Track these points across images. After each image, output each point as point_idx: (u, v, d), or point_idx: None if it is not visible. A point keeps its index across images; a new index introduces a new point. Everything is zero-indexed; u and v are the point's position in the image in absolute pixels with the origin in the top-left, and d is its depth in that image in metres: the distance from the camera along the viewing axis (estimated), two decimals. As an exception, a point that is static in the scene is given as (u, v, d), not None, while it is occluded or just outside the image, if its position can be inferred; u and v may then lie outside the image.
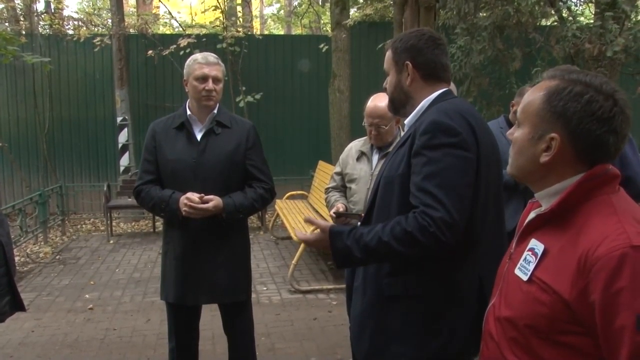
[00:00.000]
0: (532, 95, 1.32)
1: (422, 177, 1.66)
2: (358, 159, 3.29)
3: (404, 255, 1.67)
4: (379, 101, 3.06)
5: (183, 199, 2.72)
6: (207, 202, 2.72)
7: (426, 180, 1.65)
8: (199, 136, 2.88)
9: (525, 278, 1.27)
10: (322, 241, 1.80)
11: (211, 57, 2.87)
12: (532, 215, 1.38)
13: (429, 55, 1.88)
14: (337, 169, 3.45)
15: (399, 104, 1.97)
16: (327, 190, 3.48)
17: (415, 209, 1.65)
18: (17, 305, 2.70)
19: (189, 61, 2.88)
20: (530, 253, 1.28)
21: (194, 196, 2.71)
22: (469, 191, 1.66)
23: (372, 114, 3.10)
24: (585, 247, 1.15)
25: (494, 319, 1.38)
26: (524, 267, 1.28)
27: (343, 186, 3.39)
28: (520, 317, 1.26)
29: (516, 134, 1.35)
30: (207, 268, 2.85)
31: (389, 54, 1.96)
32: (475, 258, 1.75)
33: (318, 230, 1.83)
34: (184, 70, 2.90)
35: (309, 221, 1.88)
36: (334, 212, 3.01)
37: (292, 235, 5.94)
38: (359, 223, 2.01)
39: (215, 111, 2.90)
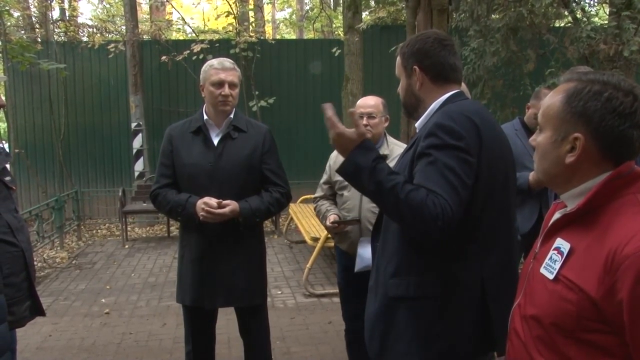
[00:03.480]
0: (551, 99, 1.33)
1: (425, 177, 1.67)
2: None
3: (402, 219, 1.67)
4: (369, 97, 3.23)
5: (200, 204, 2.73)
6: (224, 207, 2.73)
7: (429, 180, 1.65)
8: (215, 141, 2.89)
9: (551, 277, 1.26)
10: (347, 142, 1.74)
11: (227, 62, 2.88)
12: (557, 215, 1.37)
13: (435, 57, 1.88)
14: (324, 178, 3.40)
15: (411, 108, 1.99)
16: (315, 200, 3.44)
17: (433, 195, 1.62)
18: (37, 310, 2.72)
19: (205, 67, 2.90)
20: (556, 252, 1.28)
21: (211, 201, 2.72)
22: (466, 196, 1.66)
23: (363, 105, 3.17)
24: (612, 246, 1.15)
25: (519, 318, 1.38)
26: (550, 266, 1.28)
27: (332, 195, 3.36)
28: (546, 316, 1.26)
29: (538, 138, 1.35)
30: (223, 271, 2.86)
31: (398, 59, 1.99)
32: (478, 259, 1.75)
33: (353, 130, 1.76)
34: (200, 76, 2.91)
35: (352, 113, 1.82)
36: (331, 223, 3.03)
37: (306, 239, 5.94)
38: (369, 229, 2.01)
39: (232, 116, 2.91)
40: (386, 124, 3.23)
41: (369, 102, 3.17)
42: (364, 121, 3.14)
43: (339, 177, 3.27)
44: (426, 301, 1.76)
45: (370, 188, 1.69)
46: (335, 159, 3.37)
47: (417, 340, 1.77)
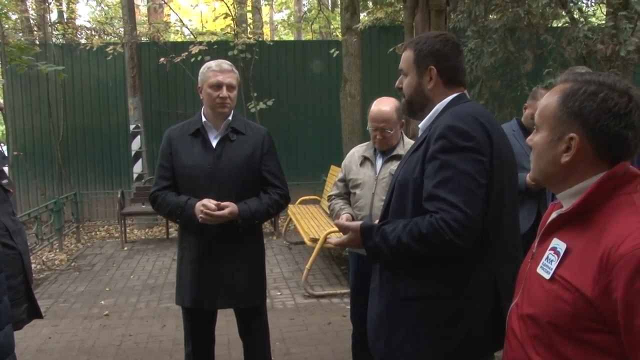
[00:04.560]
0: (547, 99, 1.34)
1: (436, 183, 1.69)
2: (361, 164, 3.27)
3: (426, 255, 1.71)
4: (382, 105, 3.07)
5: (199, 206, 2.73)
6: (223, 209, 2.74)
7: (440, 186, 1.68)
8: (214, 143, 2.89)
9: (547, 277, 1.27)
10: (356, 240, 1.87)
11: (225, 64, 2.89)
12: (554, 215, 1.38)
13: (453, 61, 1.89)
14: (340, 175, 3.42)
15: (418, 107, 1.97)
16: (330, 198, 3.45)
17: (434, 212, 1.67)
18: (35, 312, 2.73)
19: (203, 69, 2.90)
20: (552, 252, 1.29)
21: (210, 203, 2.72)
22: (482, 194, 1.68)
23: (377, 119, 3.07)
24: (607, 246, 1.16)
25: (517, 318, 1.39)
26: (546, 266, 1.29)
27: (346, 193, 3.36)
28: (542, 315, 1.27)
29: (535, 138, 1.37)
30: (223, 272, 2.86)
31: (408, 54, 1.94)
32: (489, 259, 1.76)
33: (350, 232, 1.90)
34: (199, 78, 2.91)
35: (339, 225, 1.96)
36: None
37: (305, 240, 5.94)
38: None
39: (230, 118, 2.92)
40: (402, 128, 3.21)
41: (383, 115, 3.04)
42: (379, 135, 3.08)
43: (352, 176, 3.29)
44: (438, 301, 1.76)
45: (389, 255, 1.78)
46: (351, 157, 3.39)
47: (426, 340, 1.78)
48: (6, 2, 11.14)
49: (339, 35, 10.49)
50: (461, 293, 1.75)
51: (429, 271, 1.77)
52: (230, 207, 2.75)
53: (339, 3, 10.28)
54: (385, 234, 1.75)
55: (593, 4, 8.35)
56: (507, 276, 1.74)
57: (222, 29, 11.19)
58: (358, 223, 1.86)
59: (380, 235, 1.77)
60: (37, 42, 10.75)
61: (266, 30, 18.59)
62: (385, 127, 3.06)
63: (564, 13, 7.24)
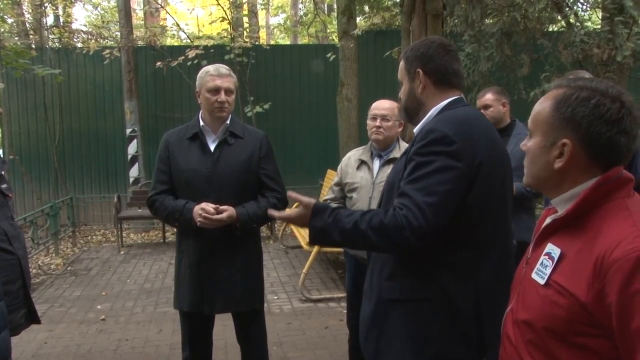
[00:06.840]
0: (540, 105, 1.35)
1: (408, 181, 1.72)
2: (358, 167, 3.29)
3: (377, 246, 1.75)
4: (383, 100, 3.25)
5: (197, 210, 2.74)
6: (221, 212, 2.74)
7: (410, 184, 1.70)
8: (212, 147, 2.90)
9: (542, 282, 1.28)
10: (303, 217, 1.82)
11: (223, 68, 2.89)
12: (548, 220, 1.39)
13: (439, 62, 1.90)
14: (336, 179, 3.44)
15: (413, 112, 1.99)
16: (325, 202, 3.47)
17: (398, 207, 1.69)
18: (32, 317, 2.72)
19: (201, 73, 2.91)
20: (546, 257, 1.30)
21: (209, 207, 2.72)
22: (451, 200, 1.68)
23: (377, 107, 3.22)
24: (601, 250, 1.17)
25: (512, 323, 1.39)
26: (541, 271, 1.30)
27: (342, 198, 3.37)
28: (537, 320, 1.28)
29: (529, 143, 1.38)
30: (222, 276, 2.86)
31: (401, 64, 2.00)
32: (472, 264, 1.76)
33: (300, 207, 1.84)
34: (196, 82, 2.92)
35: (291, 196, 1.92)
36: None
37: (302, 244, 5.94)
38: None
39: (228, 122, 2.93)
40: (400, 129, 3.25)
41: (384, 105, 3.20)
42: (377, 122, 3.17)
43: (349, 179, 3.30)
44: (420, 304, 1.77)
45: (338, 239, 1.77)
46: (347, 161, 3.40)
47: (411, 342, 1.78)
48: (2, 5, 11.13)
49: (336, 39, 10.51)
50: (442, 298, 1.75)
51: (411, 274, 1.78)
52: (228, 210, 2.76)
53: (336, 7, 10.30)
54: (340, 217, 1.74)
55: (589, 8, 8.38)
56: (490, 282, 1.76)
57: (218, 33, 11.21)
58: (312, 200, 1.84)
59: (333, 217, 1.75)
60: (34, 46, 10.74)
61: (262, 34, 18.59)
62: (385, 114, 3.16)
63: (560, 17, 7.27)
